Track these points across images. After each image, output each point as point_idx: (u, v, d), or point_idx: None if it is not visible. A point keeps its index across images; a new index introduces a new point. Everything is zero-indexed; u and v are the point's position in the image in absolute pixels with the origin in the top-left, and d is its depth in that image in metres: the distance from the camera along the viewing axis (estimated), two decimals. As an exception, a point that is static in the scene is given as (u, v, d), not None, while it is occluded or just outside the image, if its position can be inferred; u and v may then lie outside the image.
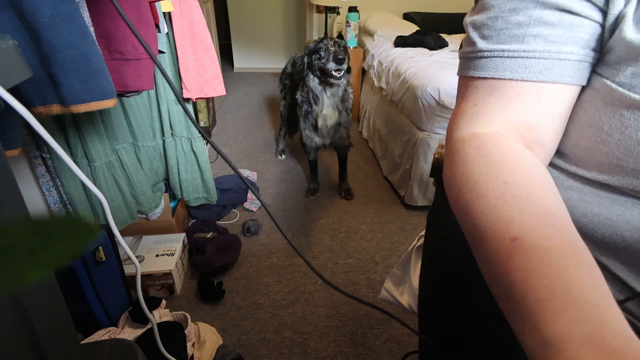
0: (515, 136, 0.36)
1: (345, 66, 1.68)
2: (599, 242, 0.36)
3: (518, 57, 0.34)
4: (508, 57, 0.35)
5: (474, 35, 0.37)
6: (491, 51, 0.36)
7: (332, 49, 1.69)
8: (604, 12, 0.32)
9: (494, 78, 0.36)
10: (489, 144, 0.35)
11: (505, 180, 0.31)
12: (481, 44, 0.36)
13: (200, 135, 1.53)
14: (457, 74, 0.41)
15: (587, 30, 0.33)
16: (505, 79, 0.35)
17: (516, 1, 0.34)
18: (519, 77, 0.35)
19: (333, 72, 1.68)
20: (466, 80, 0.39)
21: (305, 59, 1.76)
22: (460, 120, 0.38)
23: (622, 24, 0.30)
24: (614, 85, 0.32)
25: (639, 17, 0.30)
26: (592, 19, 0.33)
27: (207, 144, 1.88)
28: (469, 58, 0.38)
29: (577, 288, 0.24)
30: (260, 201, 0.51)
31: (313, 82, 1.77)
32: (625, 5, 0.31)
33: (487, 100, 0.36)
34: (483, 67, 0.36)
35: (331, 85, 1.75)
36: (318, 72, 1.74)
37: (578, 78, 0.34)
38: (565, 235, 0.27)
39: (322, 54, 1.70)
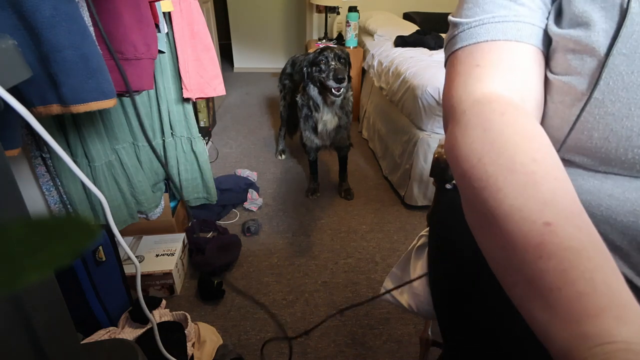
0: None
1: (345, 83, 1.65)
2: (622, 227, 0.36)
3: (496, 22, 0.37)
4: (492, 22, 0.38)
5: (456, 20, 0.40)
6: (475, 20, 0.38)
7: (333, 63, 1.65)
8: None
9: (487, 41, 0.38)
10: (513, 111, 0.32)
11: (533, 156, 0.29)
12: (463, 21, 0.39)
13: (200, 135, 1.53)
14: (446, 57, 0.42)
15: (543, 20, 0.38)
16: (496, 40, 0.38)
17: None
18: (501, 38, 0.37)
19: (333, 90, 1.66)
20: (457, 53, 0.39)
21: (305, 70, 1.74)
22: (467, 82, 0.37)
23: (549, 19, 0.36)
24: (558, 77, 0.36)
25: (557, 9, 0.34)
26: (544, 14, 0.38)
27: (207, 143, 1.89)
28: (455, 36, 0.40)
29: (617, 286, 0.23)
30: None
31: (313, 91, 1.76)
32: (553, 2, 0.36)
33: (488, 57, 0.38)
34: (472, 36, 0.39)
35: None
36: (318, 84, 1.73)
37: (542, 43, 0.38)
38: (592, 229, 0.26)
39: (323, 67, 1.67)
